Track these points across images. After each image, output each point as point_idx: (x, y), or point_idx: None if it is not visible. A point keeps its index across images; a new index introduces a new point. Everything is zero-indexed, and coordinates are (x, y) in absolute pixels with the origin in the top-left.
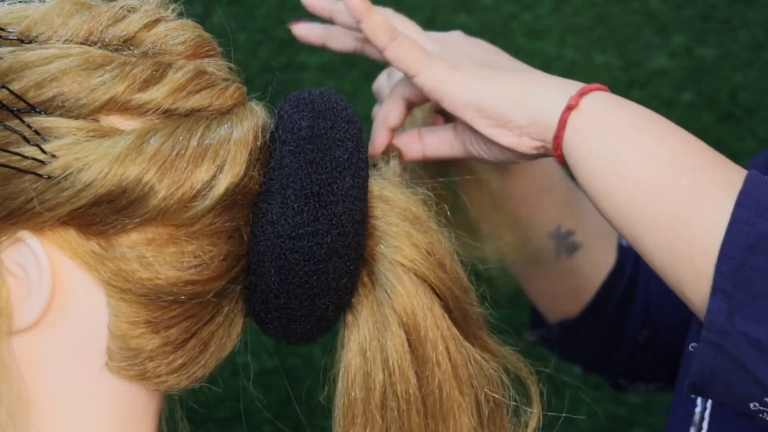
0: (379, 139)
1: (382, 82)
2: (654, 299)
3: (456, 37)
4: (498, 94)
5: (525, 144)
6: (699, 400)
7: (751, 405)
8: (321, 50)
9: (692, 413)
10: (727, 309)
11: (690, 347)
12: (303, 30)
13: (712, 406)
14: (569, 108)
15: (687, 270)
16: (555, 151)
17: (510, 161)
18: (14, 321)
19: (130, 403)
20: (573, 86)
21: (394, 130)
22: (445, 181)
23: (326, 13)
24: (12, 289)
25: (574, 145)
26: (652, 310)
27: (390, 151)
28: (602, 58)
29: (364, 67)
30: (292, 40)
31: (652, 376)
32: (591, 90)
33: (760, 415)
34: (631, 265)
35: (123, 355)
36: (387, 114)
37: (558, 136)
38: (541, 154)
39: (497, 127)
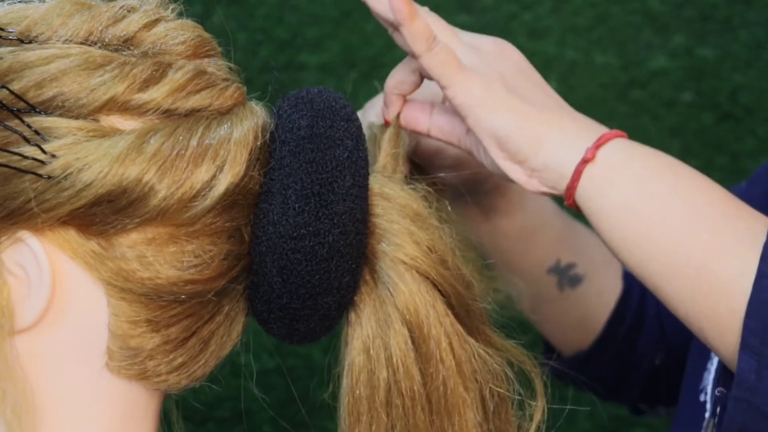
0: (392, 105)
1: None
2: (667, 321)
3: (491, 47)
4: (521, 131)
5: (533, 185)
6: (708, 405)
7: None
8: (321, 50)
9: (702, 418)
10: (756, 366)
11: (717, 392)
12: None
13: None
14: (585, 161)
15: (712, 323)
16: (567, 201)
17: (509, 181)
18: (15, 321)
19: (131, 402)
20: (592, 133)
21: (405, 98)
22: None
23: None
24: (12, 289)
25: (590, 197)
26: (665, 332)
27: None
28: (602, 58)
29: (364, 67)
30: (292, 40)
31: (671, 398)
32: (609, 139)
33: None
34: (638, 290)
35: (123, 355)
36: (399, 82)
37: (571, 187)
38: (544, 193)
39: (511, 161)
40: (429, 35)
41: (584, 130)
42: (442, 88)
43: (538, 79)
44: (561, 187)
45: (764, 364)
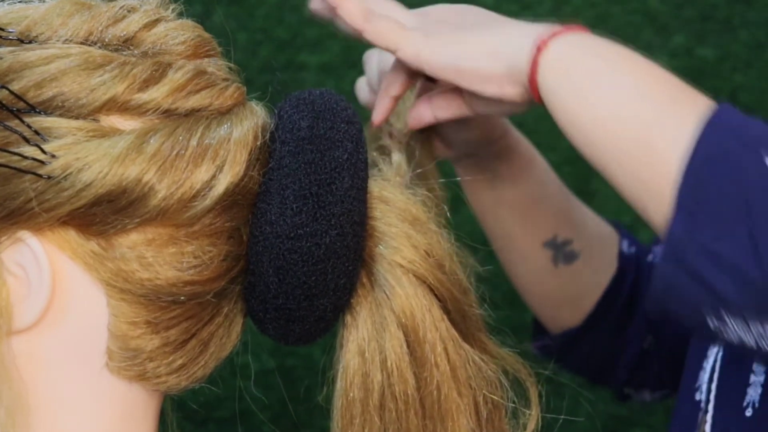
0: (381, 107)
1: (372, 54)
2: None
3: (439, 8)
4: (472, 51)
5: (509, 92)
6: (702, 403)
7: (709, 320)
8: (321, 50)
9: (697, 416)
10: (686, 221)
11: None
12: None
13: (715, 408)
14: (539, 49)
15: (651, 196)
16: (534, 94)
17: (512, 113)
18: (14, 321)
19: (130, 403)
20: (546, 29)
21: (397, 100)
22: (447, 181)
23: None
24: (12, 289)
25: (547, 86)
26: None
27: (385, 126)
28: None
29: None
30: (292, 40)
31: (657, 383)
32: (564, 32)
33: (718, 332)
34: (632, 272)
35: (123, 356)
36: (389, 84)
37: (532, 79)
38: (531, 101)
39: (480, 82)
40: (362, 10)
41: (537, 28)
42: (393, 53)
43: (491, 13)
44: (526, 81)
45: (694, 218)
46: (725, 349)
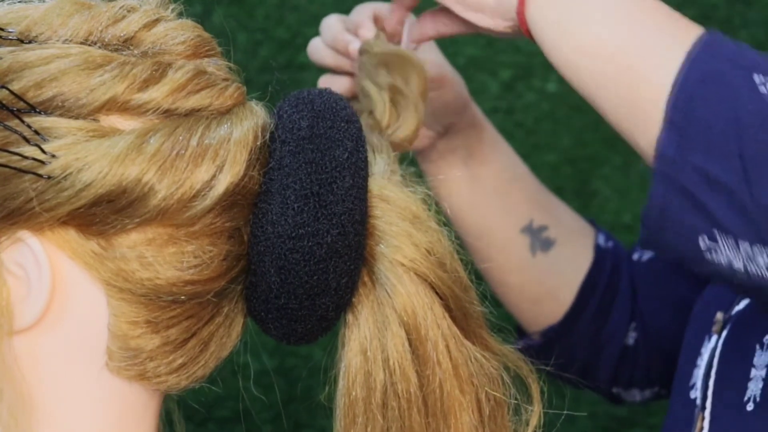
0: (397, 14)
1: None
2: (642, 301)
3: None
4: None
5: (500, 24)
6: (698, 401)
7: (701, 241)
8: None
9: (693, 415)
10: (678, 141)
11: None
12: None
13: (713, 404)
14: None
15: (638, 120)
16: (522, 27)
17: (504, 35)
18: (14, 321)
19: (130, 402)
20: None
21: (409, 9)
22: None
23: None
24: (12, 289)
25: (534, 19)
26: (643, 313)
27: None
28: None
29: None
30: (292, 40)
31: (646, 380)
32: None
33: (709, 255)
34: (609, 265)
35: (123, 355)
36: None
37: (520, 12)
38: (521, 33)
39: (473, 11)
40: None
41: None
42: None
43: None
44: (515, 15)
45: (686, 138)
46: (723, 345)
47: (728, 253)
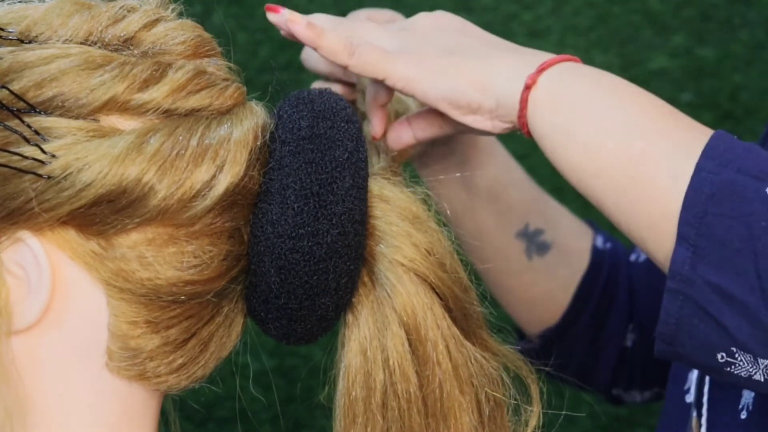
0: (376, 120)
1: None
2: (641, 302)
3: (425, 21)
4: (464, 84)
5: (498, 126)
6: (694, 406)
7: (719, 356)
8: None
9: (688, 418)
10: (690, 257)
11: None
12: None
13: (709, 411)
14: (527, 87)
15: (650, 231)
16: (522, 130)
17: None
18: (14, 321)
19: (130, 402)
20: (535, 60)
21: (386, 108)
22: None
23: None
24: (12, 289)
25: (536, 123)
26: (640, 313)
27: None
28: (602, 58)
29: None
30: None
31: (645, 381)
32: (552, 64)
33: (728, 368)
34: (607, 267)
35: (123, 355)
36: (375, 95)
37: (521, 116)
38: (509, 130)
39: (470, 114)
40: (345, 44)
41: (527, 60)
42: (382, 81)
43: (478, 32)
44: (515, 118)
45: (699, 255)
46: None
47: (748, 368)
